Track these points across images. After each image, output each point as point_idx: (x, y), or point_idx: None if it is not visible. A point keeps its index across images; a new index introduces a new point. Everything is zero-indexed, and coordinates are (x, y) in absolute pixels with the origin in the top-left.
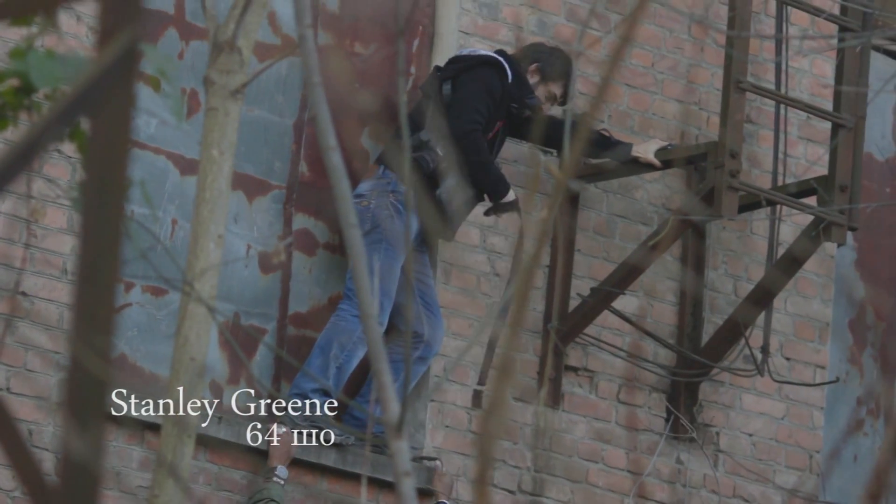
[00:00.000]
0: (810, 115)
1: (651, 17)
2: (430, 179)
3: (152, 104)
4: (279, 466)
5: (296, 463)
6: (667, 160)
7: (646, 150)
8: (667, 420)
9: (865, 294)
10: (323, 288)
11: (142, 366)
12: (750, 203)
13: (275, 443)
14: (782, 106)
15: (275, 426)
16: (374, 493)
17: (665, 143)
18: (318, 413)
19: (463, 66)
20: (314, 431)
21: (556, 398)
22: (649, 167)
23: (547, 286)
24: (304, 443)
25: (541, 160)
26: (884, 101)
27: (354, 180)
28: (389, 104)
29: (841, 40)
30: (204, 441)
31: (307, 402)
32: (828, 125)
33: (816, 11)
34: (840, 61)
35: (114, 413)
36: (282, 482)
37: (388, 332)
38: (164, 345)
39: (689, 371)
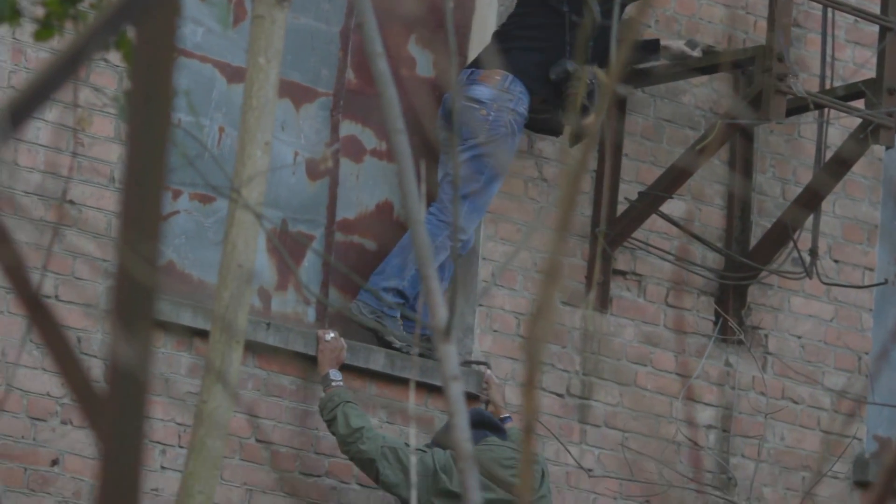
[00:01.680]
0: (858, 19)
1: None
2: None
3: (198, 12)
4: (330, 371)
5: (344, 368)
6: (713, 64)
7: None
8: (715, 323)
9: None
10: (370, 194)
11: (190, 273)
12: (797, 107)
13: (324, 349)
14: (830, 9)
15: (323, 332)
16: (423, 398)
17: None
18: (387, 313)
19: None
20: (377, 331)
21: (604, 302)
22: (682, 58)
23: (594, 191)
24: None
25: (587, 67)
26: None
27: (401, 87)
28: (436, 10)
29: None
30: (252, 347)
31: (377, 300)
32: (875, 28)
33: None
34: None
35: (162, 320)
36: (341, 383)
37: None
38: (211, 252)
39: (738, 274)
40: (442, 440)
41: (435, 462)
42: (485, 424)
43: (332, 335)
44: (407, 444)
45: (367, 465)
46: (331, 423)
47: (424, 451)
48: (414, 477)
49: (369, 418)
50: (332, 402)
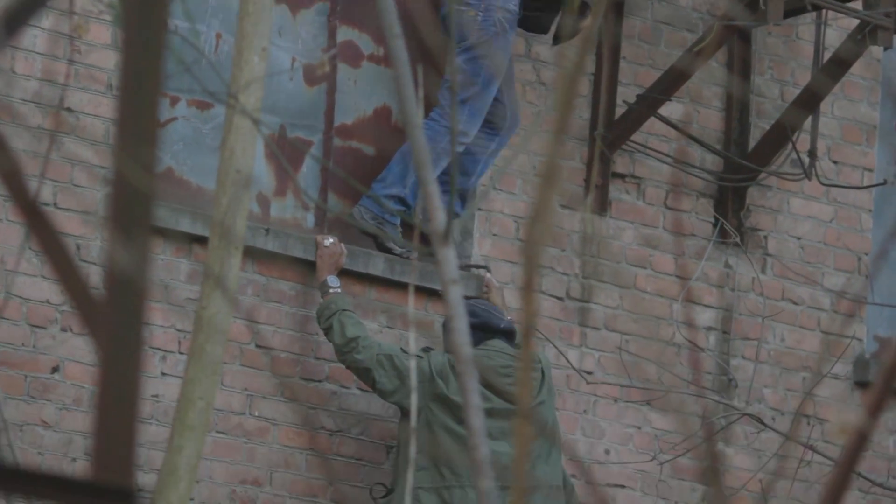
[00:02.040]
0: None
1: None
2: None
3: None
4: (328, 277)
5: (344, 273)
6: None
7: None
8: (714, 225)
9: None
10: (368, 100)
11: (188, 179)
12: (795, 8)
13: (322, 254)
14: None
15: (322, 237)
16: (423, 302)
17: None
18: (388, 220)
19: None
20: (377, 237)
21: (603, 205)
22: None
23: (592, 94)
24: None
25: None
26: None
27: None
28: None
29: None
30: (251, 252)
31: (379, 206)
32: None
33: None
34: None
35: (160, 226)
36: (339, 290)
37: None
38: (210, 158)
39: (736, 176)
40: (444, 342)
41: (431, 367)
42: (491, 328)
43: (331, 240)
44: (404, 351)
45: (364, 373)
46: (327, 331)
47: (420, 357)
48: (414, 381)
49: (365, 327)
50: (329, 309)
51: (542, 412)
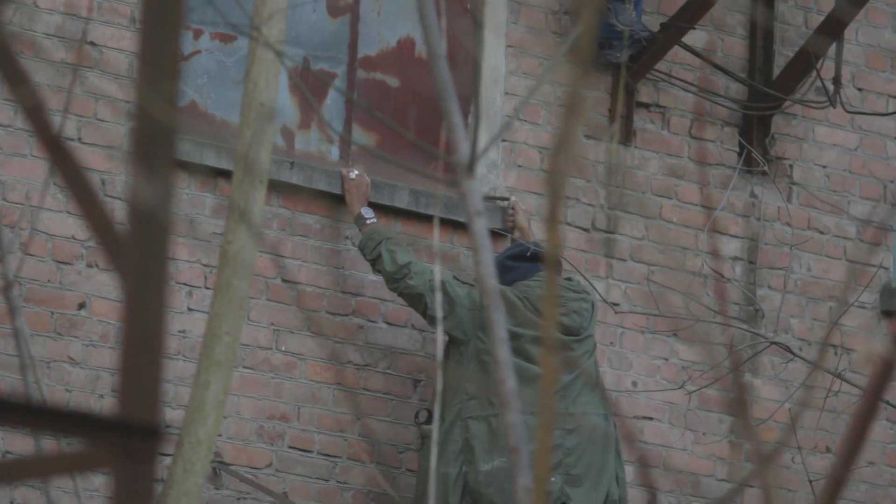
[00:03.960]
0: None
1: None
2: None
3: None
4: (362, 210)
5: (369, 205)
6: None
7: None
8: (739, 154)
9: None
10: (391, 30)
11: (212, 113)
12: None
13: (350, 187)
14: None
15: (347, 170)
16: (448, 234)
17: None
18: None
19: None
20: None
21: (627, 135)
22: None
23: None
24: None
25: None
26: None
27: None
28: None
29: None
30: (276, 186)
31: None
32: None
33: None
34: None
35: (185, 160)
36: (375, 220)
37: None
38: (234, 91)
39: (761, 104)
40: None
41: (482, 297)
42: (540, 259)
43: (356, 172)
44: (455, 278)
45: (416, 299)
46: (375, 261)
47: (472, 286)
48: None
49: (412, 252)
50: (373, 240)
51: (591, 344)
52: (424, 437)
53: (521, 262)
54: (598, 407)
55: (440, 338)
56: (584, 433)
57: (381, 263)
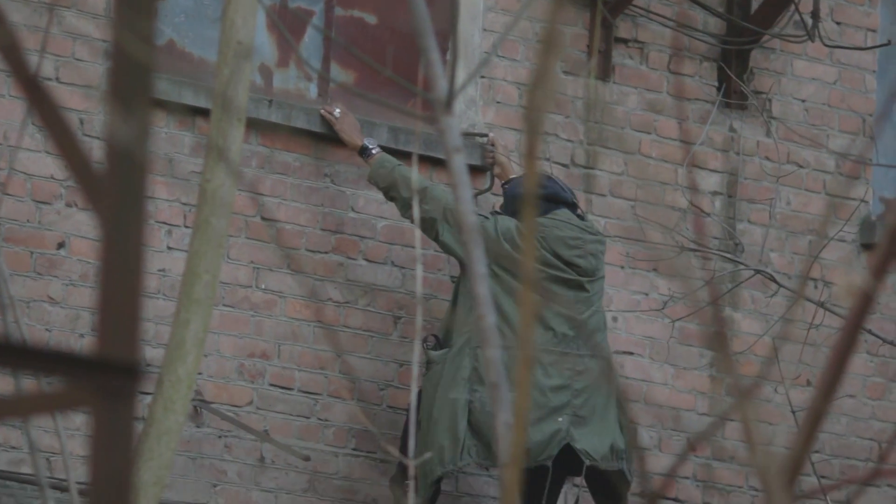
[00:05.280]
0: None
1: None
2: None
3: None
4: (365, 140)
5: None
6: None
7: None
8: (718, 88)
9: None
10: None
11: (190, 51)
12: None
13: (342, 125)
14: None
15: (328, 108)
16: (427, 171)
17: None
18: None
19: None
20: None
21: (606, 70)
22: None
23: None
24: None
25: None
26: None
27: None
28: None
29: None
30: (254, 124)
31: None
32: None
33: None
34: None
35: (162, 99)
36: (378, 148)
37: None
38: (211, 29)
39: (740, 39)
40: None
41: (497, 229)
42: (558, 199)
43: (338, 110)
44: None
45: (428, 224)
46: (389, 188)
47: (487, 218)
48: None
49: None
50: (385, 168)
51: (601, 286)
52: (430, 363)
53: (538, 202)
54: (605, 350)
55: (419, 275)
56: (591, 376)
57: (397, 190)
